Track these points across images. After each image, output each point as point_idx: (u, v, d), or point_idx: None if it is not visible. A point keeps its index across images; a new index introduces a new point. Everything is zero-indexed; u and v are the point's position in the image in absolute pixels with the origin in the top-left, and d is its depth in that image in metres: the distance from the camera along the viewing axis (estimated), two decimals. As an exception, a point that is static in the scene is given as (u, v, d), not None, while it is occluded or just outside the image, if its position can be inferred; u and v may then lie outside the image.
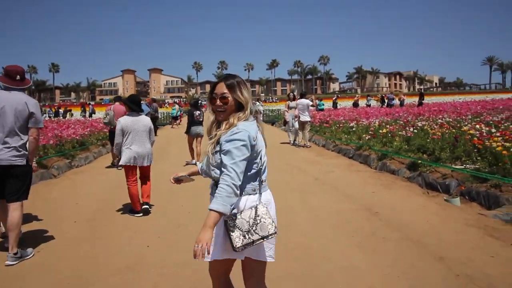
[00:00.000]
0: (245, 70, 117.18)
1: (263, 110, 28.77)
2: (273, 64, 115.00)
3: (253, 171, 1.91)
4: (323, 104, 27.87)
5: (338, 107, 28.02)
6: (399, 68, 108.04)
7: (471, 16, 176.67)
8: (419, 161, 7.31)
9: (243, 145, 1.80)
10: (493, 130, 7.99)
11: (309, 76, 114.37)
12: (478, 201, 5.43)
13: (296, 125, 12.45)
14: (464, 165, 6.61)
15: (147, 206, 5.06)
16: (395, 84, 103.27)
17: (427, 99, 27.81)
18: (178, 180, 2.27)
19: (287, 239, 3.88)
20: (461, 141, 7.55)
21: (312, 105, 12.92)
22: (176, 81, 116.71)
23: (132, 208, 5.07)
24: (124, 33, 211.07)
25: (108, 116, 8.66)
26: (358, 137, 11.32)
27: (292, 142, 12.87)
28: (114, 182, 7.05)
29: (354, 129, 12.54)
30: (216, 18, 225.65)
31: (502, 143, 6.39)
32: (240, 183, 1.78)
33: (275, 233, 1.88)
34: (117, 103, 8.89)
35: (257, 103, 28.27)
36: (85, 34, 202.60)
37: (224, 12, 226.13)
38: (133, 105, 5.13)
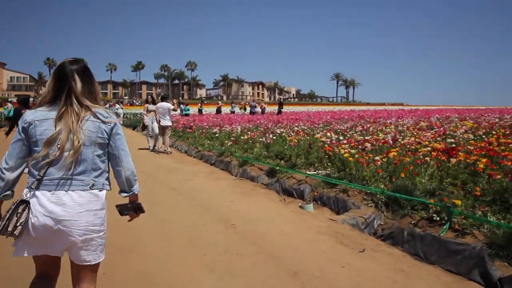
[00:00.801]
0: (107, 70, 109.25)
1: (123, 114, 26.83)
2: (138, 66, 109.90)
3: (33, 161, 1.78)
4: (189, 109, 27.40)
5: (204, 113, 27.89)
6: (262, 79, 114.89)
7: (322, 35, 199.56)
8: (277, 168, 7.37)
9: (18, 129, 1.81)
10: (341, 137, 8.64)
11: (176, 81, 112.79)
12: (329, 206, 5.60)
13: (156, 129, 11.65)
14: (317, 171, 6.87)
15: None
16: (258, 93, 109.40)
17: (285, 108, 29.81)
18: None
19: (127, 266, 3.21)
20: (314, 148, 7.90)
21: (174, 109, 12.26)
22: (24, 77, 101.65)
23: None
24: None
25: None
26: (221, 143, 11.15)
27: (151, 148, 11.99)
28: None
29: (217, 135, 12.36)
30: (74, 12, 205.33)
31: (349, 150, 6.84)
32: (6, 165, 1.78)
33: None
34: None
35: (117, 105, 26.23)
36: None
37: (84, 5, 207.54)
38: None
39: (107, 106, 26.90)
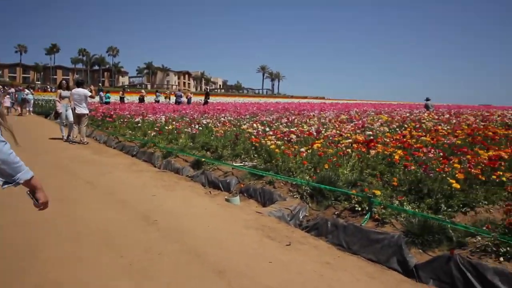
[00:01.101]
0: (16, 52, 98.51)
1: (33, 99, 24.43)
2: (52, 49, 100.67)
3: None
4: (109, 97, 25.83)
5: (126, 101, 26.46)
6: (188, 68, 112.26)
7: (250, 27, 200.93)
8: (203, 159, 7.14)
9: None
10: (267, 129, 8.65)
11: (96, 67, 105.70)
12: (256, 198, 5.53)
13: (71, 117, 10.68)
14: (243, 163, 6.78)
15: None
16: (184, 82, 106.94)
17: (212, 99, 29.46)
18: None
19: (28, 274, 2.79)
20: (241, 139, 7.80)
21: (91, 96, 11.34)
22: None
23: None
24: None
25: None
26: (144, 134, 10.58)
27: (65, 137, 10.97)
28: None
29: (139, 125, 11.71)
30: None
31: (275, 141, 6.84)
32: None
33: None
34: None
35: (26, 90, 23.83)
36: None
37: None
38: None
39: (12, 91, 24.27)
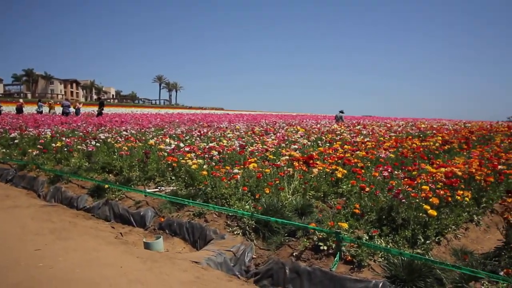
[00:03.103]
0: None
1: None
2: None
3: None
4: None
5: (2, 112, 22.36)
6: (77, 76, 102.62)
7: (145, 36, 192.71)
8: (106, 185, 5.67)
9: None
10: (181, 144, 7.45)
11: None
12: (182, 236, 4.36)
13: None
14: (159, 188, 5.52)
15: None
16: (72, 92, 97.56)
17: (106, 109, 26.61)
18: None
19: None
20: (152, 158, 6.50)
21: None
22: None
23: None
24: None
25: None
26: (23, 153, 8.46)
27: None
28: None
29: (16, 141, 9.44)
30: None
31: (195, 159, 5.73)
32: None
33: None
34: None
35: None
36: None
37: None
38: None
39: None
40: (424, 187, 3.69)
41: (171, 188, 5.45)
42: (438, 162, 5.22)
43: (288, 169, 4.94)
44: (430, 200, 3.46)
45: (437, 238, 3.49)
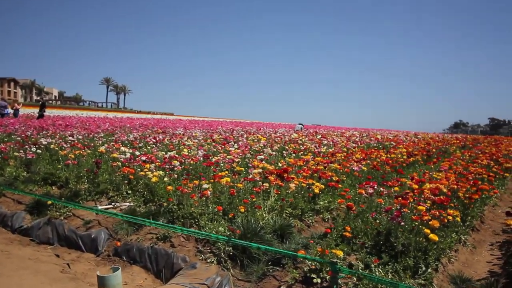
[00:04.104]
0: None
1: None
2: None
3: None
4: None
5: None
6: (15, 75, 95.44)
7: (91, 36, 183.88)
8: (48, 200, 4.84)
9: None
10: (137, 152, 6.73)
11: None
12: (142, 264, 3.71)
13: None
14: (113, 204, 4.81)
15: None
16: (9, 91, 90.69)
17: (48, 111, 24.62)
18: None
19: None
20: (104, 168, 5.74)
21: None
22: None
23: None
24: None
25: None
26: None
27: None
28: None
29: None
30: None
31: (155, 171, 5.09)
32: None
33: None
34: None
35: None
36: None
37: None
38: None
39: None
40: (420, 207, 3.37)
41: (128, 204, 4.77)
42: (414, 176, 5.01)
43: (264, 184, 4.45)
44: (430, 223, 3.13)
45: (435, 264, 3.17)
